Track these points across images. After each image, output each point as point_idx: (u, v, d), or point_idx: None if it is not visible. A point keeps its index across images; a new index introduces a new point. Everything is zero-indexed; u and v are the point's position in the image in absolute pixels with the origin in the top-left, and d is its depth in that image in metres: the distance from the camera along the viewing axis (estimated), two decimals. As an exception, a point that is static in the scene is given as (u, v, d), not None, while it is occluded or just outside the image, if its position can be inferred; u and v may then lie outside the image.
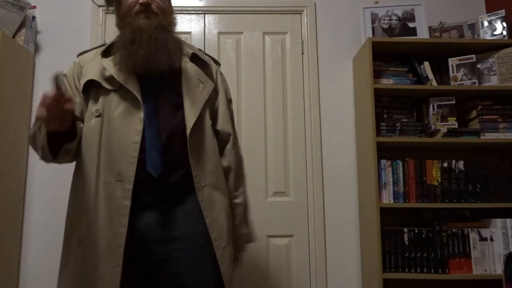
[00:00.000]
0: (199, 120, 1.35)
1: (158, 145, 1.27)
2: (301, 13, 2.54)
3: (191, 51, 1.45)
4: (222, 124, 1.48)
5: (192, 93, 1.37)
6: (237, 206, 1.47)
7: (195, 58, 1.45)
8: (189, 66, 1.42)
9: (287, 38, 2.52)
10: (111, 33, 2.41)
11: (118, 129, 1.28)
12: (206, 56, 1.52)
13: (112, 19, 2.46)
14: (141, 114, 1.28)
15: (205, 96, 1.39)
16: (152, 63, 1.29)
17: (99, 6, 2.47)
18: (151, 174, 1.26)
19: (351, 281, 2.29)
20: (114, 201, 1.24)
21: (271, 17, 2.53)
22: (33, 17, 2.36)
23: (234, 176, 1.48)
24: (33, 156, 2.33)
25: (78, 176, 1.33)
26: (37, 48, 2.43)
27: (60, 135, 1.24)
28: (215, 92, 1.47)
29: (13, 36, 2.25)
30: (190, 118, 1.32)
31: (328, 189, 2.37)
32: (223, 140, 1.48)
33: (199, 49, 1.52)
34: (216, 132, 1.46)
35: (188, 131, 1.31)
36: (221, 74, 1.55)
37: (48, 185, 2.31)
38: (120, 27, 1.39)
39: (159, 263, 1.27)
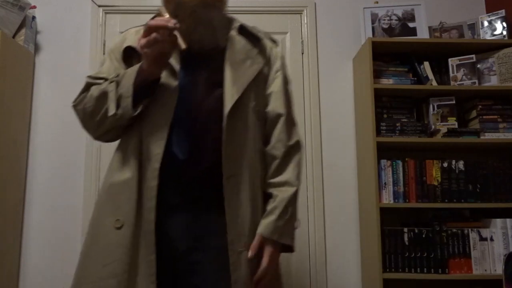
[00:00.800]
0: (240, 100, 1.20)
1: (187, 124, 1.18)
2: (301, 13, 2.54)
3: (238, 24, 1.32)
4: (272, 103, 1.28)
5: (236, 69, 1.23)
6: (272, 198, 1.23)
7: (245, 32, 1.30)
8: (236, 40, 1.28)
9: (287, 38, 2.52)
10: (111, 33, 2.45)
11: (155, 100, 1.19)
12: (260, 33, 1.35)
13: (112, 19, 2.50)
14: (176, 83, 1.19)
15: (252, 73, 1.24)
16: (193, 39, 1.19)
17: (99, 6, 2.47)
18: (177, 163, 1.16)
19: (351, 281, 2.29)
20: (145, 181, 1.15)
21: (271, 17, 2.53)
22: (33, 17, 2.36)
23: (277, 165, 1.25)
24: (33, 156, 2.33)
25: (123, 148, 1.21)
26: (37, 48, 2.43)
27: (146, 85, 1.14)
28: (267, 69, 1.30)
29: (13, 36, 2.25)
30: (230, 97, 1.18)
31: (328, 189, 2.37)
32: (272, 122, 1.27)
33: (253, 27, 1.37)
34: (265, 115, 1.28)
35: (226, 110, 1.17)
36: (279, 53, 1.36)
37: (48, 185, 2.31)
38: (165, 2, 1.29)
39: (184, 270, 1.18)
